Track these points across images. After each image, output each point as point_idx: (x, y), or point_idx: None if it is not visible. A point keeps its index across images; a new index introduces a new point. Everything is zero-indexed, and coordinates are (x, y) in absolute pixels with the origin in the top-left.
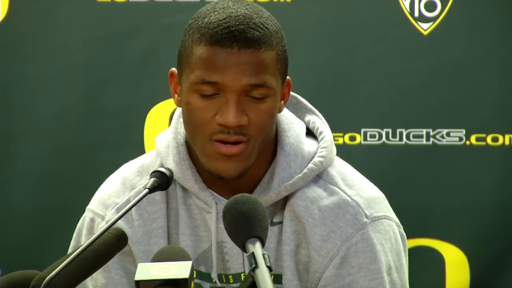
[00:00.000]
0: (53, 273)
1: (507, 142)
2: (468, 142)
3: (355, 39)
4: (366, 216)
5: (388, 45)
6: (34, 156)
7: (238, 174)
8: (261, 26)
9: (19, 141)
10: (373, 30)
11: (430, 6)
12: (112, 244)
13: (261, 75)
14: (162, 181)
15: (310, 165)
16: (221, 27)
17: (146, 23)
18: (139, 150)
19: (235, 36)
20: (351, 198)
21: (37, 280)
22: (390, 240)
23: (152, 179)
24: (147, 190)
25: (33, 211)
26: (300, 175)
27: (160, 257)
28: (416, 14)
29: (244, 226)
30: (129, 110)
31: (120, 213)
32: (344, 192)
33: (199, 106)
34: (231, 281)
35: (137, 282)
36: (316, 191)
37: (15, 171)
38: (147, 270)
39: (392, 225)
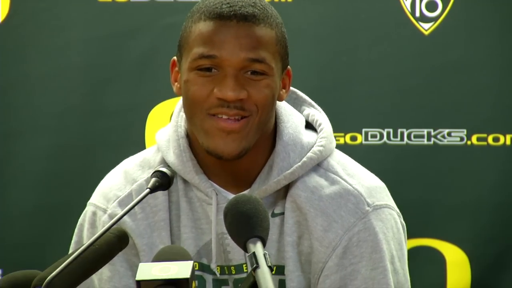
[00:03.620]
0: (54, 273)
1: (508, 142)
2: (469, 142)
3: (356, 39)
4: (368, 205)
5: (389, 45)
6: (34, 156)
7: (237, 153)
8: (260, 6)
9: (20, 141)
10: (374, 30)
11: (431, 6)
12: (113, 244)
13: (259, 50)
14: (164, 181)
15: (309, 154)
16: (221, 3)
17: (146, 23)
18: (140, 150)
19: (234, 10)
20: (353, 187)
21: (38, 280)
22: (392, 229)
23: (154, 179)
24: (148, 190)
25: (33, 211)
26: (299, 164)
27: (161, 257)
28: (417, 14)
29: (245, 226)
30: (129, 110)
31: (121, 213)
32: (345, 181)
33: (197, 82)
34: (233, 272)
35: (138, 282)
36: (317, 180)
37: (15, 171)
38: (148, 270)
39: (394, 214)
